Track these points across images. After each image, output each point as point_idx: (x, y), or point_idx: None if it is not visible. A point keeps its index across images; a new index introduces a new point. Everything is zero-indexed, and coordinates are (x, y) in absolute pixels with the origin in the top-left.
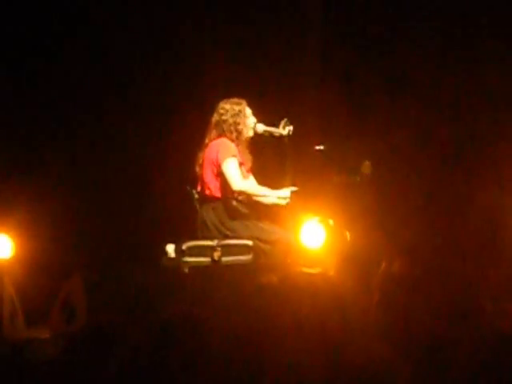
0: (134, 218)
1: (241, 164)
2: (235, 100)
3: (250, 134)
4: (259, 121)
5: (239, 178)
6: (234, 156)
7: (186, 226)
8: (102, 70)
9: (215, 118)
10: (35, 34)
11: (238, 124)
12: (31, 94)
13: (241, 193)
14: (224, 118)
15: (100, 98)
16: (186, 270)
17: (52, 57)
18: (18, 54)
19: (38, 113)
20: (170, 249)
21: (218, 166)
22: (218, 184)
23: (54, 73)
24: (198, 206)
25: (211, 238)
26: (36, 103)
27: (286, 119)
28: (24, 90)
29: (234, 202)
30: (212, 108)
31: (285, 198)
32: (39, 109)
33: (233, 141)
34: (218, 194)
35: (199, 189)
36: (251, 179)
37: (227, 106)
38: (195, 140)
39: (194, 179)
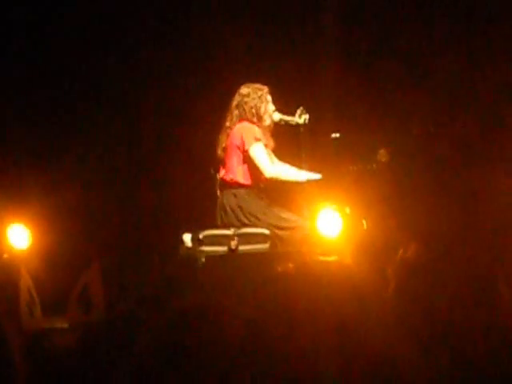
0: (152, 207)
1: (266, 146)
2: (257, 85)
3: (269, 121)
4: (275, 109)
5: (269, 163)
6: (259, 140)
7: (203, 215)
8: (118, 60)
9: (236, 100)
10: (47, 33)
11: (259, 108)
12: (47, 87)
13: (273, 179)
14: (246, 100)
15: (116, 86)
16: (203, 259)
17: (68, 50)
18: (35, 50)
19: (54, 104)
20: (187, 238)
21: (245, 152)
22: (241, 170)
23: (70, 66)
24: (218, 191)
25: (229, 225)
26: (52, 94)
27: (301, 108)
28: (41, 83)
29: (256, 189)
30: (229, 94)
31: (315, 178)
32: (56, 100)
33: (254, 124)
34: (241, 180)
35: (221, 174)
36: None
37: (249, 90)
38: (214, 126)
39: (217, 163)
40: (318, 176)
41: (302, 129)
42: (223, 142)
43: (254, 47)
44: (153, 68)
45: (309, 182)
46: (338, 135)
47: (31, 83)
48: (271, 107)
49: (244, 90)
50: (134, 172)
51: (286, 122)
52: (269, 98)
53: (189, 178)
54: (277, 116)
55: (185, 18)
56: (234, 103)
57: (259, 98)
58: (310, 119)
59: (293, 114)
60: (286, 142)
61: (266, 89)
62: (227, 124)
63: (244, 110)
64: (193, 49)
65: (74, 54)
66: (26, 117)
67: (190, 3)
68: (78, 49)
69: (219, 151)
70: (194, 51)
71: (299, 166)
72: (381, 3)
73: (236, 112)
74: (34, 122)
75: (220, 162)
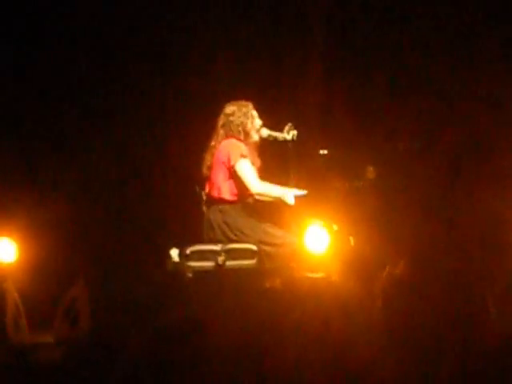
0: (139, 222)
1: (252, 164)
2: (242, 102)
3: (256, 137)
4: (263, 125)
5: (256, 180)
6: (245, 157)
7: (190, 230)
8: (106, 73)
9: (222, 119)
10: (40, 37)
11: (246, 125)
12: (33, 98)
13: (259, 195)
14: (231, 119)
15: (104, 100)
16: (190, 275)
17: (55, 59)
18: (22, 58)
19: (41, 117)
20: (174, 253)
21: (231, 168)
22: (227, 186)
23: (57, 76)
24: (204, 207)
25: (216, 241)
26: (39, 106)
27: (290, 124)
28: (27, 94)
29: (242, 205)
30: (216, 110)
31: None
32: (42, 113)
33: (241, 141)
34: (227, 197)
35: (207, 190)
36: None
37: (234, 108)
38: (200, 141)
39: (202, 181)
40: (303, 192)
41: (289, 145)
42: (208, 160)
43: (242, 64)
44: (142, 82)
45: (295, 198)
46: (325, 152)
47: (17, 95)
48: (258, 122)
49: (229, 109)
50: (121, 186)
51: (274, 138)
52: (254, 113)
53: (176, 193)
54: (265, 132)
55: (173, 35)
56: (220, 123)
57: (244, 115)
58: (298, 135)
59: (281, 130)
60: (273, 157)
61: (250, 105)
62: (212, 143)
63: (230, 128)
64: (181, 66)
65: (63, 64)
66: (11, 129)
67: (177, 21)
68: (67, 58)
69: (204, 169)
70: (183, 68)
71: (287, 182)
72: (367, 21)
73: (222, 131)
74: (20, 135)
75: (205, 179)
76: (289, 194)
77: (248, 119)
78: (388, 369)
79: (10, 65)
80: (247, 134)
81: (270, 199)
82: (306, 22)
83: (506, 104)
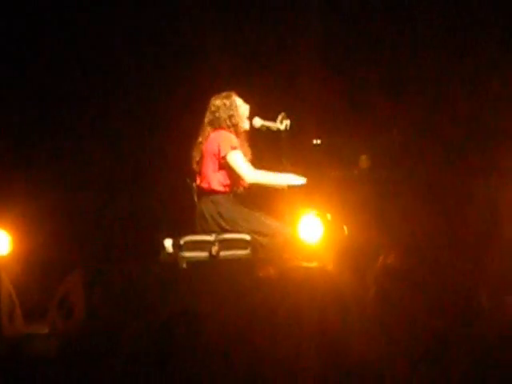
0: (133, 213)
1: (244, 155)
2: (224, 94)
3: (246, 125)
4: (257, 115)
5: (249, 169)
6: (235, 148)
7: (184, 221)
8: (100, 69)
9: (208, 116)
10: (36, 33)
11: (232, 116)
12: (30, 91)
13: (254, 185)
14: (217, 114)
15: (98, 95)
16: (184, 265)
17: (50, 55)
18: (17, 53)
19: (36, 109)
20: (168, 244)
21: (221, 159)
22: (217, 177)
23: (53, 71)
24: (196, 199)
25: (209, 232)
26: (35, 100)
27: (283, 113)
28: (22, 87)
29: (233, 195)
30: (209, 101)
31: (297, 184)
32: (38, 105)
33: (231, 133)
34: (218, 187)
35: (198, 182)
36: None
37: (218, 102)
38: (193, 133)
39: (193, 173)
40: (299, 181)
41: (283, 135)
42: (197, 156)
43: (236, 54)
44: (135, 76)
45: (290, 187)
46: (319, 141)
47: (14, 88)
48: (244, 109)
49: (213, 105)
50: (115, 178)
51: (268, 128)
52: (238, 101)
53: (169, 184)
54: (258, 122)
55: (168, 30)
56: (206, 120)
57: (229, 107)
58: (291, 125)
59: (274, 120)
60: (267, 147)
61: (233, 95)
62: (199, 140)
63: (219, 124)
64: (175, 58)
65: (59, 58)
66: (6, 123)
67: (172, 17)
68: (64, 53)
69: (194, 164)
70: (176, 60)
71: (280, 172)
72: (361, 13)
73: (208, 128)
74: (15, 128)
75: (195, 172)
76: (284, 182)
77: (233, 110)
78: (381, 358)
79: (9, 64)
80: (236, 125)
81: (266, 186)
82: (301, 11)
83: (503, 93)
